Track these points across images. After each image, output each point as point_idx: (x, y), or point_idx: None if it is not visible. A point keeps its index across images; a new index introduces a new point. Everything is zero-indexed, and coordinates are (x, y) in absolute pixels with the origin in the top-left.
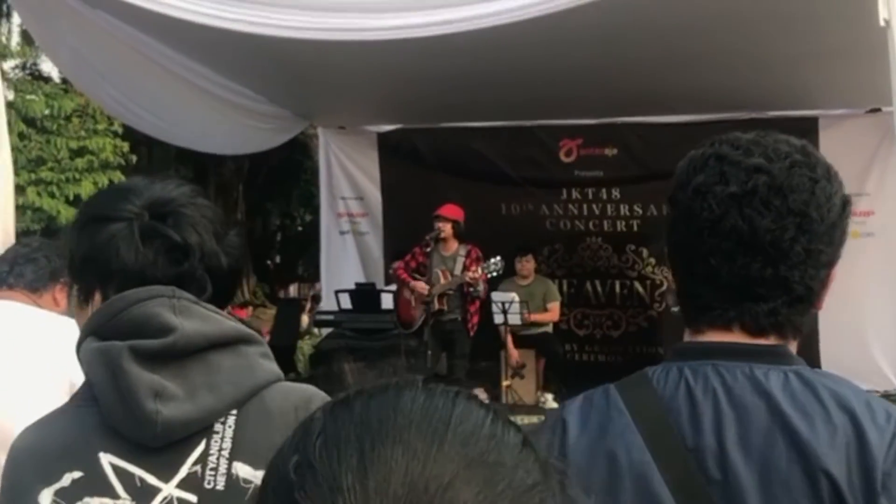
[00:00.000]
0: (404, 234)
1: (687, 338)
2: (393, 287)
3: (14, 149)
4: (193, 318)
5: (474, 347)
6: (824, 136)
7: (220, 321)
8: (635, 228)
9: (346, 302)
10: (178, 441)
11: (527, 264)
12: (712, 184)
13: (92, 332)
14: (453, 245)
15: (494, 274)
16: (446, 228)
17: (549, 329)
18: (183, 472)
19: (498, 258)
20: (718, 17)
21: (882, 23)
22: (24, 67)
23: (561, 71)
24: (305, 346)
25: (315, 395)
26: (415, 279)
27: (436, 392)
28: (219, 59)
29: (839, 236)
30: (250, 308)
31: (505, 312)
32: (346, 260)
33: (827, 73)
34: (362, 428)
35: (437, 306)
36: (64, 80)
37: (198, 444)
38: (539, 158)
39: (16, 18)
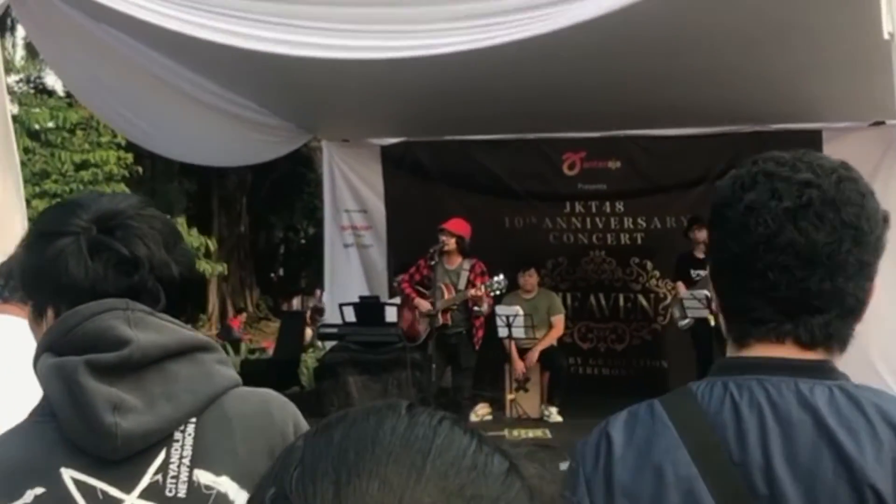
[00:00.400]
0: (408, 246)
1: (731, 353)
2: (397, 300)
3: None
4: (148, 329)
5: (479, 361)
6: (828, 149)
7: (175, 330)
8: (639, 241)
9: (350, 315)
10: (139, 452)
11: (529, 279)
12: (765, 200)
13: (48, 347)
14: (457, 259)
15: (498, 293)
16: (450, 242)
17: (555, 343)
18: (144, 482)
19: (501, 277)
20: (722, 31)
21: (887, 35)
22: (28, 81)
23: (564, 84)
24: (309, 360)
25: (273, 400)
26: (419, 293)
27: (418, 420)
28: (223, 72)
29: (882, 249)
30: (243, 315)
31: (509, 326)
32: (349, 273)
33: (830, 85)
34: (339, 460)
35: (441, 321)
36: (68, 94)
37: (158, 453)
38: (542, 171)
39: (20, 32)
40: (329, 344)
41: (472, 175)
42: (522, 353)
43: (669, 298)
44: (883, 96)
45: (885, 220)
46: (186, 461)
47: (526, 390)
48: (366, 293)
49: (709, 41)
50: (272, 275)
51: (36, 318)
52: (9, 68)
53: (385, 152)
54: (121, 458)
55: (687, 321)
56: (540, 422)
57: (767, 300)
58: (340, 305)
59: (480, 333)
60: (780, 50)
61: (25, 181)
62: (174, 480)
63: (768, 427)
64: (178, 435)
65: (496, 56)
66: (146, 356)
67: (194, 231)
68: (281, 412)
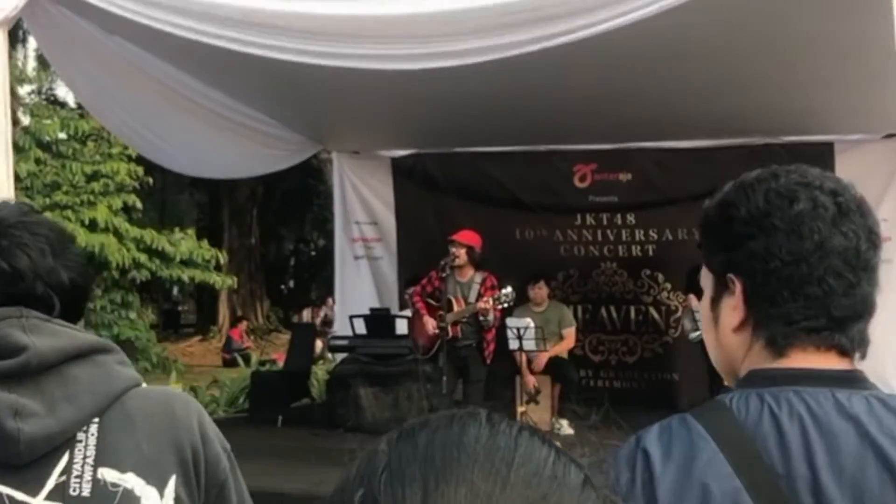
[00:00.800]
0: (418, 258)
1: (761, 363)
2: (408, 312)
3: (30, 174)
4: (44, 334)
5: (489, 373)
6: (840, 162)
7: (72, 335)
8: (650, 253)
9: (360, 327)
10: (44, 455)
11: (539, 291)
12: (812, 207)
13: None
14: (469, 271)
15: (506, 305)
16: (460, 254)
17: (565, 355)
18: (50, 484)
19: (509, 289)
20: (734, 43)
21: None
22: (39, 92)
23: (575, 96)
24: (320, 372)
25: (175, 397)
26: (429, 306)
27: (499, 428)
28: (233, 83)
29: None
30: (243, 323)
31: (520, 338)
32: (360, 285)
33: (842, 98)
34: (426, 465)
35: (451, 333)
36: (79, 105)
37: (62, 455)
38: (553, 184)
39: (31, 44)
40: (339, 356)
41: (483, 187)
42: (533, 365)
43: (680, 311)
44: (895, 108)
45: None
46: (90, 461)
47: (537, 403)
48: (376, 305)
49: (720, 54)
50: (282, 287)
51: None
52: (21, 79)
53: (395, 164)
54: (25, 462)
55: (698, 333)
56: (551, 434)
57: (824, 307)
58: (351, 317)
59: (492, 347)
60: (792, 62)
61: (36, 192)
62: (78, 480)
63: (811, 438)
64: (80, 436)
65: (507, 68)
66: (44, 361)
67: (205, 243)
68: (184, 408)
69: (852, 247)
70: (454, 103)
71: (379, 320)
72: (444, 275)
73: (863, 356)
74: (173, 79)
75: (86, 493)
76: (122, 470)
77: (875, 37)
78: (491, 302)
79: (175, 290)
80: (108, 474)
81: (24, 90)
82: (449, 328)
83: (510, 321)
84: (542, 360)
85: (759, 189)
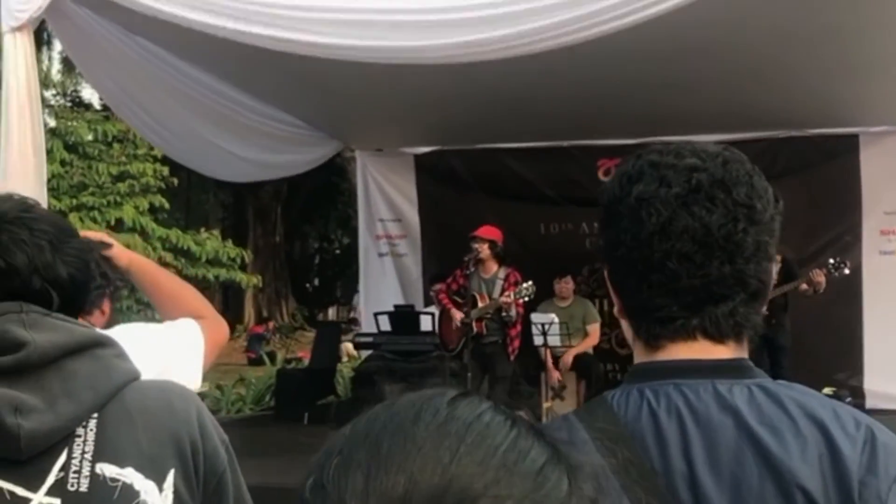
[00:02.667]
0: (443, 255)
1: (642, 358)
2: (432, 309)
3: (56, 175)
4: (44, 329)
5: (514, 369)
6: (865, 154)
7: (71, 329)
8: None
9: (385, 324)
10: (43, 450)
11: (566, 286)
12: (654, 189)
13: None
14: (493, 267)
15: (526, 299)
16: (483, 249)
17: (590, 350)
18: (50, 479)
19: (529, 283)
20: (758, 35)
21: None
22: (64, 94)
23: (599, 91)
24: (345, 369)
25: (173, 390)
26: (455, 303)
27: (455, 413)
28: (256, 83)
29: (776, 229)
30: (271, 323)
31: (545, 334)
32: (384, 282)
33: (867, 89)
34: (371, 452)
35: (475, 330)
36: (104, 107)
37: (62, 450)
38: (577, 177)
39: (56, 46)
40: (364, 353)
41: (507, 182)
42: (558, 361)
43: None
44: None
45: (777, 199)
46: (89, 456)
47: (562, 398)
48: (401, 302)
49: (744, 45)
50: (307, 285)
51: None
52: (46, 82)
53: (419, 161)
54: (25, 458)
55: None
56: None
57: (670, 293)
58: (375, 314)
59: (516, 343)
60: (816, 54)
61: (63, 193)
62: (76, 475)
63: (689, 432)
64: (79, 431)
65: (529, 64)
66: (44, 356)
67: (230, 242)
68: (182, 402)
69: (701, 225)
70: (477, 99)
71: (403, 317)
72: (468, 272)
73: (751, 338)
74: (196, 79)
75: (84, 488)
76: (121, 465)
77: None
78: (512, 296)
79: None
80: (106, 469)
81: (49, 93)
82: (474, 324)
83: (535, 317)
84: (568, 358)
85: (618, 173)
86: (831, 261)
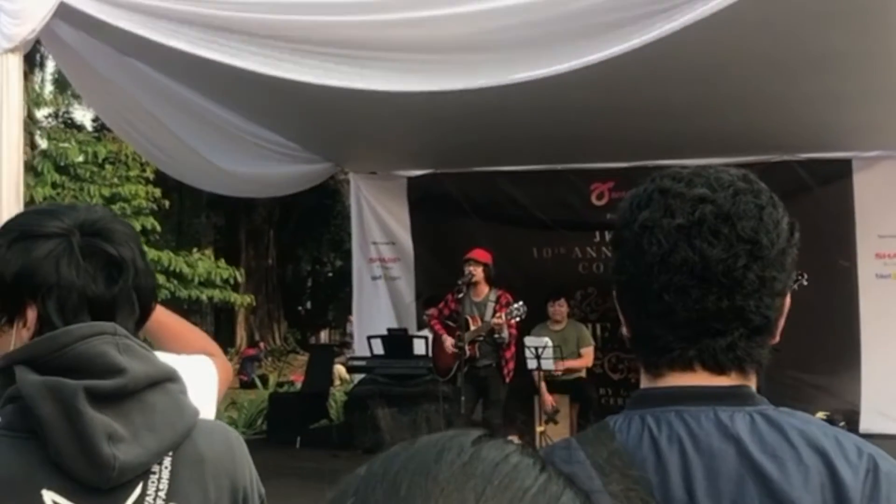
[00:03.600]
0: (436, 278)
1: (645, 384)
2: (425, 332)
3: (48, 197)
4: (137, 357)
5: (508, 393)
6: (858, 178)
7: (155, 361)
8: None
9: (378, 347)
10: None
11: (559, 308)
12: (658, 218)
13: (27, 360)
14: (484, 289)
15: (517, 319)
16: (478, 272)
17: (583, 374)
18: None
19: (521, 303)
20: (751, 59)
21: None
22: (56, 115)
23: (592, 115)
24: (338, 393)
25: (233, 438)
26: (448, 328)
27: (481, 454)
28: (250, 105)
29: (790, 263)
30: (262, 344)
31: (538, 357)
32: (378, 305)
33: (861, 114)
34: (391, 495)
35: (468, 353)
36: (97, 128)
37: (137, 484)
38: (570, 202)
39: (49, 67)
40: (357, 377)
41: (500, 206)
42: (552, 385)
43: None
44: None
45: (793, 230)
46: (162, 494)
47: (556, 422)
48: (394, 325)
49: (739, 70)
50: (300, 308)
51: (4, 324)
52: (38, 102)
53: (411, 184)
54: (109, 487)
55: None
56: None
57: (667, 325)
58: (369, 338)
59: (511, 366)
60: (810, 78)
61: None
62: None
63: (690, 460)
64: (155, 468)
65: (523, 88)
66: (136, 386)
67: (222, 262)
68: (241, 451)
69: (700, 259)
70: (471, 123)
71: (397, 340)
72: (459, 296)
73: (756, 371)
74: (188, 100)
75: None
76: None
77: (893, 54)
78: (504, 317)
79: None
80: None
81: (41, 113)
82: (466, 348)
83: (528, 340)
84: (559, 366)
85: (629, 196)
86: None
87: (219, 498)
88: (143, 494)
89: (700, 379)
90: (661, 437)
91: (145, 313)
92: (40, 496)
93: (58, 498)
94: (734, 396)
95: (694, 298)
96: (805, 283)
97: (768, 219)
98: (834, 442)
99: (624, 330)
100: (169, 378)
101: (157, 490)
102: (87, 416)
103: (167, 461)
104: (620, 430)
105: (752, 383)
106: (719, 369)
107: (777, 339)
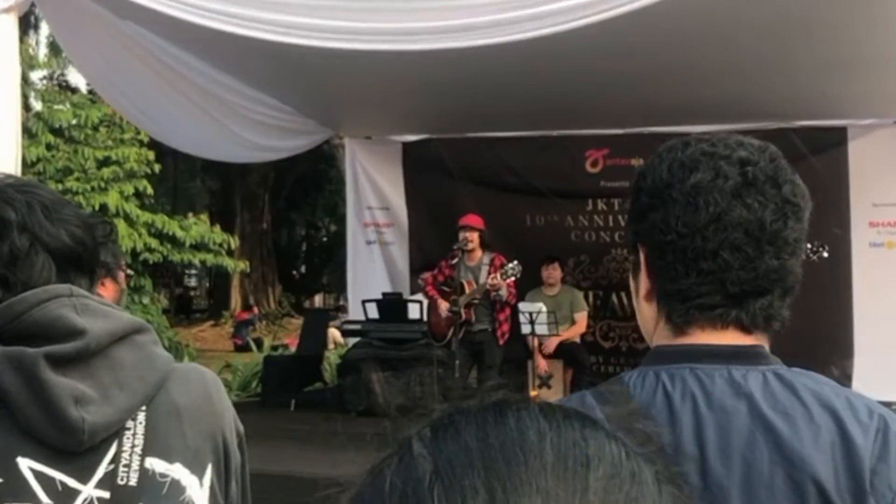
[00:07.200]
0: (430, 244)
1: (664, 340)
2: (419, 297)
3: (41, 159)
4: (96, 316)
5: (502, 357)
6: (853, 146)
7: (118, 315)
8: None
9: (372, 311)
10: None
11: (553, 272)
12: (710, 178)
13: None
14: (478, 254)
15: (513, 277)
16: (474, 238)
17: (577, 339)
18: (100, 472)
19: (515, 262)
20: (746, 26)
21: None
22: (51, 78)
23: (587, 81)
24: (332, 356)
25: (210, 381)
26: (442, 293)
27: (559, 420)
28: (245, 69)
29: (807, 227)
30: (256, 308)
31: (532, 323)
32: (372, 270)
33: (856, 82)
34: (489, 472)
35: (464, 316)
36: (91, 91)
37: (112, 442)
38: (565, 169)
39: (43, 30)
40: (352, 340)
41: (494, 172)
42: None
43: None
44: None
45: (808, 197)
46: (138, 450)
47: (549, 387)
48: (388, 290)
49: (733, 37)
50: (294, 272)
51: None
52: (32, 65)
53: (407, 149)
54: (81, 450)
55: None
56: None
57: (718, 283)
58: (363, 302)
59: (505, 328)
60: (805, 46)
61: (48, 178)
62: (126, 469)
63: (702, 417)
64: (129, 424)
65: (520, 53)
66: (100, 346)
67: (217, 228)
68: (217, 392)
69: (755, 219)
70: (466, 88)
71: (391, 305)
72: (454, 261)
73: (779, 329)
74: (185, 64)
75: (133, 482)
76: (170, 460)
77: (889, 20)
78: (498, 277)
79: (187, 274)
80: (156, 464)
81: (35, 76)
82: (462, 311)
83: (522, 306)
84: (551, 343)
85: (666, 159)
86: (809, 245)
87: (198, 445)
88: (120, 452)
89: (727, 338)
90: (675, 393)
91: (82, 264)
92: (16, 464)
93: (34, 464)
94: (748, 356)
95: (749, 257)
96: (826, 254)
97: (799, 182)
98: (845, 402)
99: (642, 290)
100: (136, 330)
101: (133, 446)
102: (50, 383)
103: (141, 416)
104: (635, 386)
105: (767, 343)
106: (751, 329)
107: None
